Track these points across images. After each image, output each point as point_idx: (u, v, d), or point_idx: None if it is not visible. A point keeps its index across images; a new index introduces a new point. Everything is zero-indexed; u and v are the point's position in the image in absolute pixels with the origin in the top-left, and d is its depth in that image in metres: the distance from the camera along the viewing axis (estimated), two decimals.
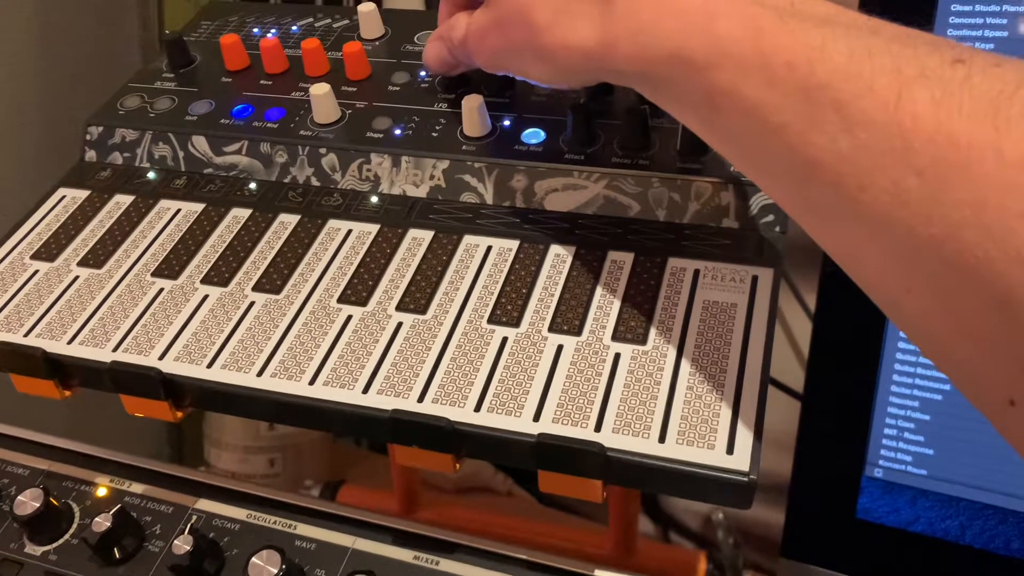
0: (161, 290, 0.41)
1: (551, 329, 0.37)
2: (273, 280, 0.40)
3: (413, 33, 0.52)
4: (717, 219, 0.40)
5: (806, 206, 0.29)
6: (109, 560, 0.39)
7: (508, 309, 0.38)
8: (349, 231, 0.42)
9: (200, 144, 0.47)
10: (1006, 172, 0.23)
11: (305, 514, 0.40)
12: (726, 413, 0.33)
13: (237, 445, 0.85)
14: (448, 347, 0.37)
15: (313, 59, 0.49)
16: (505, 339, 0.37)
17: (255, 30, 0.54)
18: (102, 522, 0.39)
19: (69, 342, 0.39)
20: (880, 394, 0.41)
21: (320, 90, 0.45)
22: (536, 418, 0.33)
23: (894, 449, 0.42)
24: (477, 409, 0.34)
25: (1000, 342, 0.24)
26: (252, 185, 0.46)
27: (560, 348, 0.36)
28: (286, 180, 0.46)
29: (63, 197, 0.47)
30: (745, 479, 0.31)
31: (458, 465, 0.35)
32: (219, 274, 0.41)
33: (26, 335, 0.40)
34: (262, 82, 0.50)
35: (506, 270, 0.39)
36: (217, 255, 0.42)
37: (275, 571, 0.36)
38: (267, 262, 0.41)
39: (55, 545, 0.41)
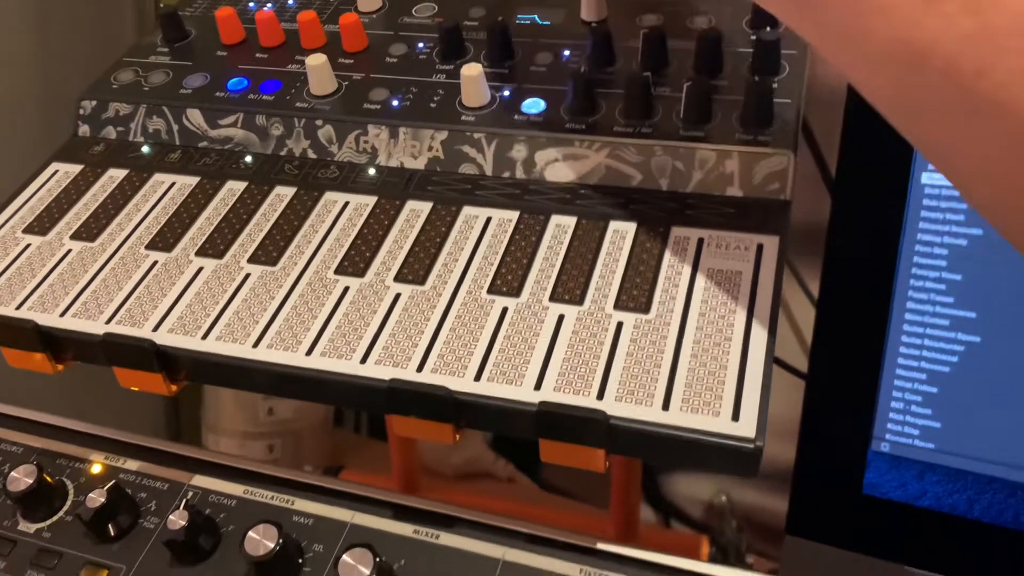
0: (155, 263, 0.40)
1: (552, 299, 0.36)
2: (269, 252, 0.40)
3: (411, 5, 0.51)
4: (721, 187, 0.39)
5: (908, 98, 0.26)
6: (104, 537, 0.39)
7: (508, 279, 0.37)
8: (346, 203, 0.42)
9: (195, 117, 0.46)
10: None
11: (303, 490, 0.39)
12: (731, 380, 0.32)
13: (235, 431, 0.84)
14: (447, 317, 0.36)
15: (309, 31, 0.48)
16: (505, 309, 0.36)
17: (251, 4, 0.53)
18: (96, 498, 0.38)
19: (62, 315, 0.38)
20: (886, 366, 0.41)
21: (316, 61, 0.44)
22: (537, 387, 0.33)
23: (901, 423, 0.41)
24: (477, 378, 0.33)
25: None
26: (248, 158, 0.45)
27: (561, 317, 0.35)
28: (282, 153, 0.45)
29: (56, 172, 0.46)
30: (751, 446, 0.30)
31: (458, 436, 0.34)
32: (214, 246, 0.40)
33: (18, 308, 0.39)
34: (258, 55, 0.49)
35: (506, 241, 0.39)
36: (212, 227, 0.41)
37: (272, 545, 0.35)
38: (263, 234, 0.41)
39: (49, 522, 0.40)
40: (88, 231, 0.42)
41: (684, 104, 0.40)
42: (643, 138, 0.40)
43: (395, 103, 0.44)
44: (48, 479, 0.40)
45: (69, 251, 0.41)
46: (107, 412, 0.49)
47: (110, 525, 0.39)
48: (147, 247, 0.41)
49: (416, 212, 0.41)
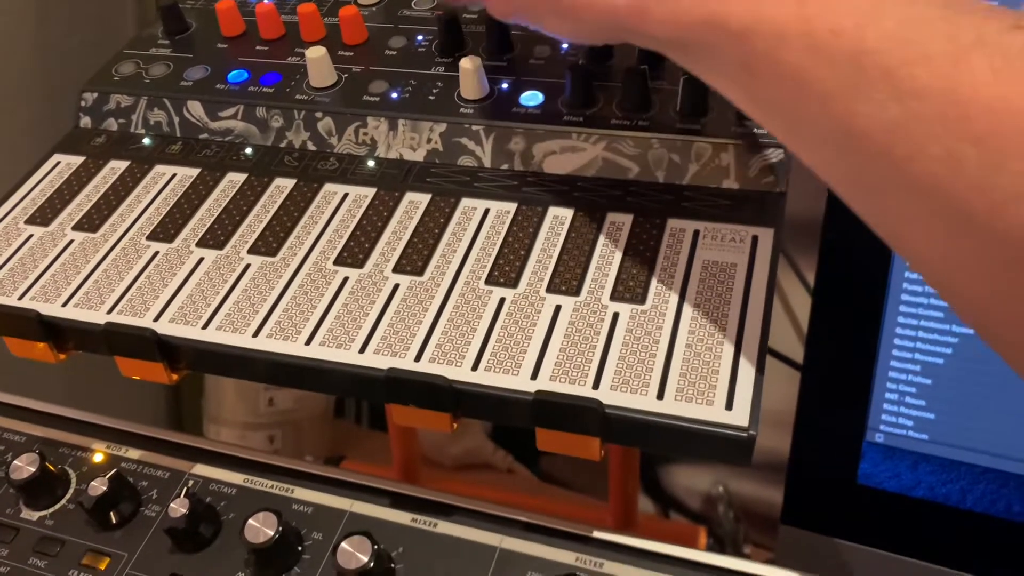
0: (156, 253, 0.41)
1: (549, 290, 0.36)
2: (269, 243, 0.40)
3: None
4: (717, 180, 0.39)
5: (849, 177, 0.28)
6: (105, 525, 0.39)
7: (506, 270, 0.37)
8: (345, 195, 0.42)
9: (195, 109, 0.47)
10: None
11: (302, 478, 0.40)
12: (725, 370, 0.32)
13: (236, 421, 0.85)
14: (445, 308, 0.36)
15: (309, 24, 0.49)
16: (503, 300, 0.36)
17: None
18: (98, 486, 0.38)
19: (64, 304, 0.39)
20: (881, 358, 0.41)
21: (316, 53, 0.45)
22: (534, 376, 0.33)
23: (895, 414, 0.42)
24: (474, 368, 0.34)
25: None
26: (248, 150, 0.45)
27: (558, 308, 0.36)
28: (282, 145, 0.45)
29: (58, 163, 0.47)
30: (745, 434, 0.30)
31: (455, 425, 0.34)
32: (214, 237, 0.41)
33: (20, 298, 0.39)
34: (258, 48, 0.49)
35: (504, 232, 0.39)
36: (212, 219, 0.42)
37: (272, 533, 0.35)
38: (263, 225, 0.41)
39: (51, 510, 0.40)
40: (90, 222, 0.43)
41: (681, 97, 0.40)
42: (640, 131, 0.40)
43: (394, 95, 0.44)
44: (50, 467, 0.40)
45: (71, 242, 0.42)
46: (109, 403, 0.49)
47: (112, 513, 0.39)
48: (148, 238, 0.41)
49: (415, 204, 0.41)
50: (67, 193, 0.44)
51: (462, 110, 0.43)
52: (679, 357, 0.33)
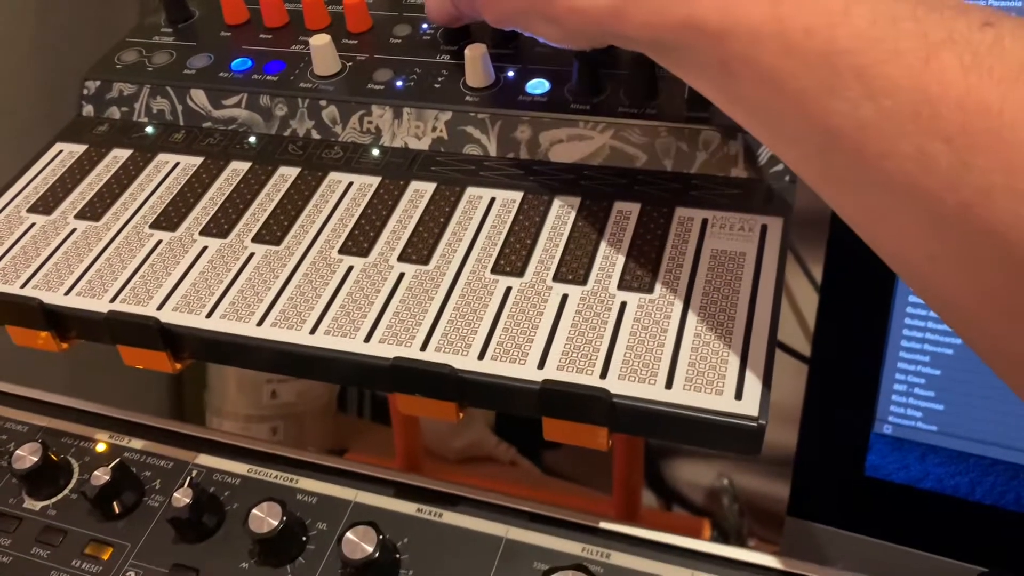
0: (159, 242, 0.40)
1: (556, 279, 0.36)
2: (273, 232, 0.40)
3: None
4: (725, 169, 0.39)
5: (825, 175, 0.28)
6: (108, 514, 0.39)
7: (512, 259, 0.37)
8: (350, 183, 0.42)
9: (199, 97, 0.46)
10: None
11: (307, 469, 0.40)
12: (734, 359, 0.32)
13: (239, 414, 0.85)
14: (451, 297, 0.36)
15: (313, 12, 0.48)
16: (509, 289, 0.36)
17: None
18: (101, 476, 0.38)
19: (66, 293, 0.38)
20: (890, 348, 0.41)
21: (320, 41, 0.44)
22: (541, 365, 0.33)
23: (904, 405, 0.41)
24: (481, 357, 0.33)
25: None
26: (252, 138, 0.45)
27: (565, 297, 0.35)
28: (286, 133, 0.45)
29: (60, 152, 0.46)
30: (754, 424, 0.30)
31: (461, 414, 0.34)
32: (218, 226, 0.40)
33: (23, 286, 0.39)
34: (262, 36, 0.49)
35: (510, 221, 0.39)
36: (216, 207, 0.41)
37: (275, 523, 0.35)
38: (267, 214, 0.41)
39: (54, 500, 0.40)
40: (93, 210, 0.42)
41: (689, 86, 0.40)
42: (648, 119, 0.40)
43: (399, 84, 0.44)
44: (53, 457, 0.40)
45: (74, 230, 0.42)
46: (112, 396, 0.49)
47: (115, 503, 0.39)
48: (151, 226, 0.41)
49: (420, 192, 0.41)
50: (70, 182, 0.44)
51: (467, 98, 0.43)
52: (687, 346, 0.33)
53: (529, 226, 0.38)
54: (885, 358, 0.41)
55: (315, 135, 0.44)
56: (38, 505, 0.40)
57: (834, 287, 0.42)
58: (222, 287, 0.38)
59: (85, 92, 0.48)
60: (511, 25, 0.38)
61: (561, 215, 0.39)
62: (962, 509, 0.42)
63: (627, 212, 0.38)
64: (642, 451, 0.67)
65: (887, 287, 0.40)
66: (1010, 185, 0.22)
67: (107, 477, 0.38)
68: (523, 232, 0.38)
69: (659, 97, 0.41)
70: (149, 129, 0.47)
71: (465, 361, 0.33)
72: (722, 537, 0.83)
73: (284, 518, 0.35)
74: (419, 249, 0.38)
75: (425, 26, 0.47)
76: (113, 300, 0.38)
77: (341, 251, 0.38)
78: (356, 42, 0.47)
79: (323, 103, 0.44)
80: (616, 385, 0.32)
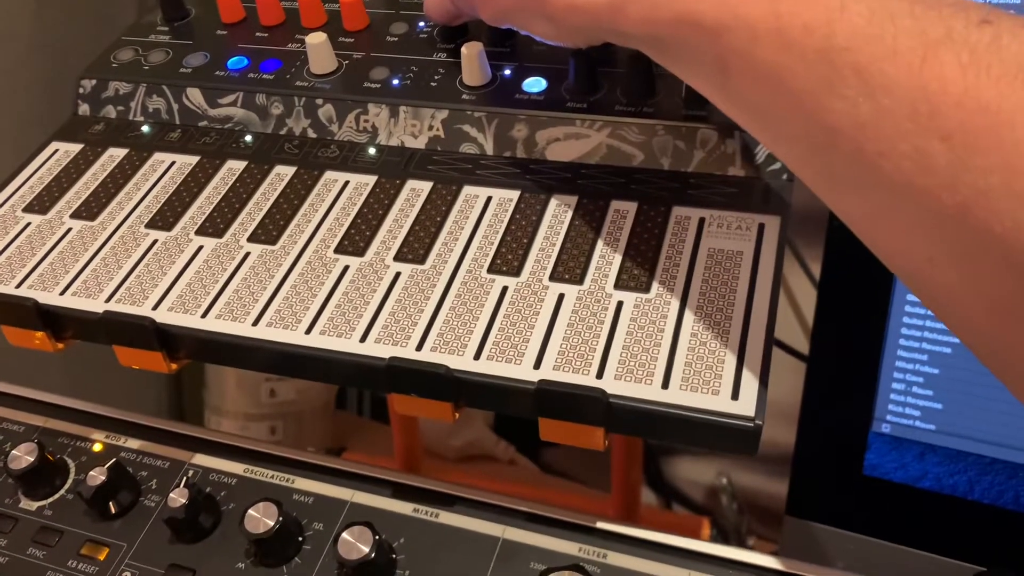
0: (155, 241, 0.40)
1: (552, 278, 0.36)
2: (269, 231, 0.40)
3: None
4: (723, 167, 0.39)
5: (823, 174, 0.28)
6: (104, 515, 0.39)
7: (508, 259, 0.37)
8: (346, 182, 0.42)
9: (195, 96, 0.46)
10: None
11: (303, 469, 0.40)
12: (731, 359, 0.32)
13: (238, 412, 0.85)
14: (447, 296, 0.36)
15: (309, 10, 0.48)
16: (505, 288, 0.36)
17: None
18: (97, 476, 0.38)
19: (62, 293, 0.38)
20: (888, 347, 0.41)
21: (316, 39, 0.44)
22: (537, 365, 0.33)
23: (902, 404, 0.41)
24: (476, 357, 0.33)
25: None
26: (248, 137, 0.45)
27: (561, 297, 0.35)
28: (282, 132, 0.45)
29: (56, 151, 0.46)
30: (751, 424, 0.30)
31: (457, 414, 0.34)
32: (214, 225, 0.40)
33: (18, 286, 0.39)
34: (258, 34, 0.49)
35: (506, 220, 0.39)
36: (212, 207, 0.41)
37: (272, 523, 0.35)
38: (263, 213, 0.41)
39: (50, 500, 0.40)
40: (88, 210, 0.42)
41: (686, 84, 0.40)
42: (645, 118, 0.40)
43: (395, 82, 0.44)
44: (49, 457, 0.40)
45: (69, 230, 0.41)
46: (110, 396, 0.49)
47: (111, 503, 0.39)
48: (147, 226, 0.41)
49: (416, 191, 0.41)
50: (65, 181, 0.44)
51: (464, 97, 0.42)
52: (684, 346, 0.33)
53: (526, 225, 0.38)
54: (883, 357, 0.41)
55: (311, 134, 0.44)
56: (34, 505, 0.40)
57: (833, 285, 0.41)
58: (218, 287, 0.38)
59: (81, 91, 0.48)
60: (508, 23, 0.38)
61: (558, 214, 0.38)
62: (960, 508, 0.41)
63: (624, 211, 0.38)
64: (641, 450, 0.67)
65: (886, 285, 0.40)
66: (1009, 186, 0.22)
67: (103, 477, 0.38)
68: (520, 231, 0.38)
69: (656, 95, 0.40)
70: (145, 128, 0.46)
71: (461, 361, 0.33)
72: (721, 536, 0.83)
73: (280, 518, 0.35)
74: (415, 248, 0.38)
75: (422, 24, 0.47)
76: (108, 300, 0.38)
77: (337, 250, 0.38)
78: (352, 40, 0.47)
79: (319, 102, 0.44)
80: (612, 385, 0.31)
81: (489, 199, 0.40)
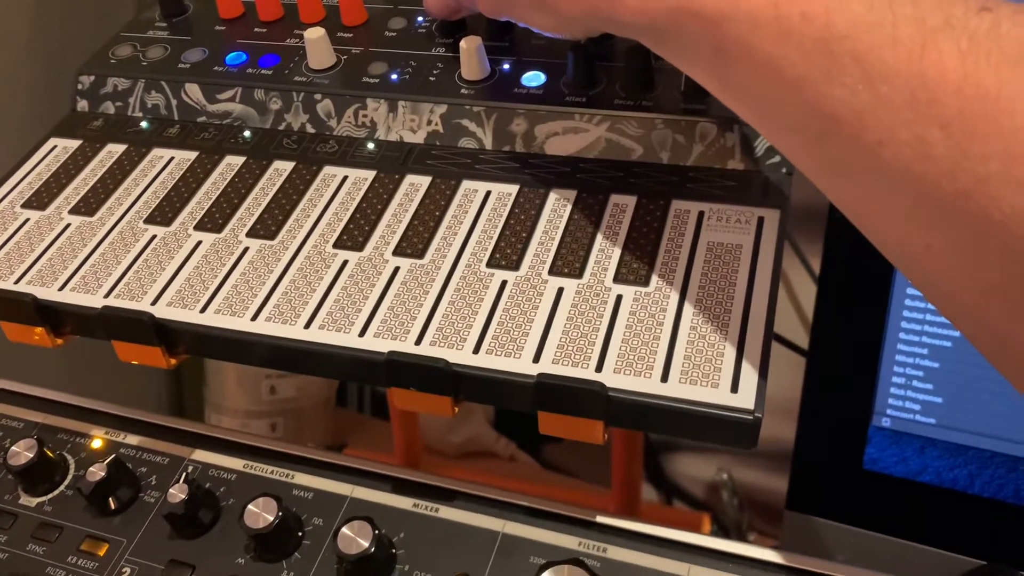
0: (154, 237, 0.40)
1: (551, 272, 0.36)
2: (268, 226, 0.40)
3: None
4: (722, 161, 0.39)
5: (821, 162, 0.28)
6: (104, 511, 0.39)
7: (507, 253, 0.37)
8: (345, 177, 0.42)
9: (193, 92, 0.46)
10: None
11: (303, 464, 0.39)
12: (730, 352, 0.32)
13: (238, 409, 0.85)
14: (446, 291, 0.36)
15: (308, 5, 0.48)
16: (504, 282, 0.36)
17: None
18: (96, 472, 0.38)
19: (60, 288, 0.38)
20: (888, 341, 0.41)
21: (314, 34, 0.44)
22: (536, 359, 0.33)
23: (902, 398, 0.41)
24: (476, 351, 0.33)
25: None
26: (246, 133, 0.45)
27: (561, 291, 0.35)
28: (281, 127, 0.45)
29: (54, 147, 0.46)
30: (750, 417, 0.30)
31: (456, 408, 0.34)
32: (213, 221, 0.40)
33: (17, 282, 0.39)
34: (256, 30, 0.49)
35: (505, 214, 0.38)
36: (211, 202, 0.41)
37: (271, 518, 0.35)
38: (261, 208, 0.41)
39: (50, 496, 0.40)
40: (87, 205, 0.42)
41: (685, 77, 0.40)
42: (644, 111, 0.40)
43: (394, 77, 0.44)
44: (49, 453, 0.40)
45: (68, 225, 0.41)
46: (109, 393, 0.49)
47: (110, 499, 0.39)
48: (146, 221, 0.41)
49: (415, 186, 0.40)
50: (64, 177, 0.44)
51: (463, 91, 0.42)
52: (683, 339, 0.33)
53: (525, 219, 0.38)
54: (883, 351, 0.41)
55: (310, 129, 0.44)
56: (34, 501, 0.40)
57: (832, 280, 0.41)
58: (216, 282, 0.37)
59: (80, 87, 0.48)
60: (505, 15, 0.38)
61: (557, 208, 0.38)
62: (961, 502, 0.41)
63: (623, 205, 0.38)
64: (641, 446, 0.67)
65: (886, 280, 0.40)
66: (1008, 172, 0.22)
67: (103, 473, 0.38)
68: (519, 225, 0.38)
69: (655, 89, 0.40)
70: (144, 124, 0.46)
71: (460, 355, 0.33)
72: (722, 531, 0.83)
73: (280, 513, 0.35)
74: (414, 243, 0.38)
75: (420, 19, 0.47)
76: (107, 295, 0.38)
77: (336, 245, 0.38)
78: (351, 35, 0.47)
79: (318, 97, 0.44)
80: (612, 379, 0.31)
81: (488, 193, 0.40)
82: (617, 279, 0.35)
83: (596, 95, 0.41)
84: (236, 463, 0.40)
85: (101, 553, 0.38)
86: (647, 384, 0.31)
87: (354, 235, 0.39)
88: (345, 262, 0.38)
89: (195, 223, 0.40)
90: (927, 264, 0.26)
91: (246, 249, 0.39)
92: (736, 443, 0.31)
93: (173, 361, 0.37)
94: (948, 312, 0.27)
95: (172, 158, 0.44)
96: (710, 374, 0.31)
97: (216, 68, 0.46)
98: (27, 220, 0.42)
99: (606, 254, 0.36)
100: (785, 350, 0.72)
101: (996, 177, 0.22)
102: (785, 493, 0.47)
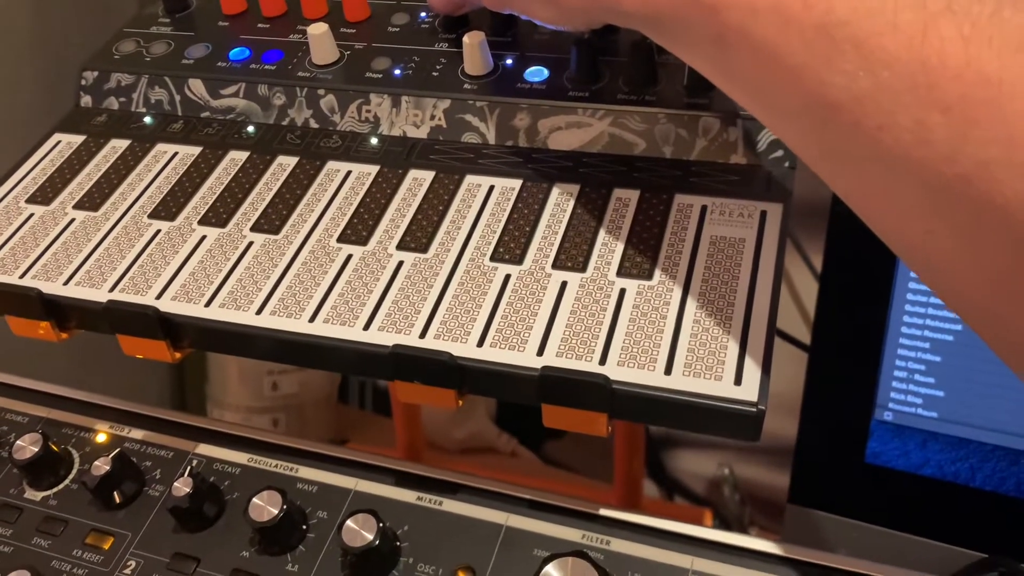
0: (158, 231, 0.40)
1: (555, 266, 0.36)
2: (272, 221, 0.40)
3: None
4: (725, 155, 0.39)
5: (822, 150, 0.28)
6: (109, 504, 0.39)
7: (511, 247, 0.37)
8: (348, 172, 0.42)
9: (197, 87, 0.46)
10: None
11: (307, 458, 0.40)
12: (733, 345, 0.32)
13: (240, 405, 0.85)
14: (450, 284, 0.36)
15: (311, 1, 0.48)
16: (508, 276, 0.36)
17: None
18: (101, 466, 0.38)
19: (65, 283, 0.38)
20: (890, 335, 0.41)
21: (318, 29, 0.44)
22: (540, 352, 0.33)
23: (904, 392, 0.41)
24: (480, 344, 0.33)
25: None
26: (250, 128, 0.45)
27: (564, 284, 0.35)
28: (284, 122, 0.45)
29: (58, 142, 0.46)
30: (754, 410, 0.30)
31: (460, 401, 0.34)
32: (217, 215, 0.40)
33: (22, 276, 0.39)
34: (259, 25, 0.49)
35: (508, 209, 0.39)
36: (215, 197, 0.41)
37: (276, 511, 0.35)
38: (265, 203, 0.41)
39: (55, 490, 0.40)
40: (91, 200, 0.42)
41: (688, 71, 0.40)
42: (647, 106, 0.40)
43: (397, 72, 0.44)
44: (54, 448, 0.40)
45: (72, 220, 0.42)
46: (113, 389, 0.49)
47: (115, 493, 0.39)
48: (150, 216, 0.41)
49: (418, 181, 0.41)
50: (68, 172, 0.44)
51: (466, 86, 0.42)
52: (687, 332, 0.33)
53: (528, 213, 0.38)
54: (885, 345, 0.41)
55: (313, 124, 0.44)
56: (39, 495, 0.40)
57: (834, 275, 0.42)
58: (221, 276, 0.38)
59: (83, 83, 0.48)
60: (508, 8, 0.38)
61: (560, 202, 0.39)
62: (963, 495, 0.42)
63: (626, 199, 0.38)
64: (643, 441, 0.67)
65: (887, 274, 0.40)
66: (1009, 158, 0.22)
67: (107, 467, 0.38)
68: (522, 220, 0.38)
69: (658, 84, 0.40)
70: (147, 119, 0.46)
71: (464, 348, 0.33)
72: (723, 526, 0.83)
73: (284, 507, 0.35)
74: (418, 237, 0.38)
75: (423, 14, 0.47)
76: (112, 289, 0.38)
77: (340, 239, 0.38)
78: (354, 31, 0.47)
79: (321, 92, 0.44)
80: (615, 371, 0.32)
81: (491, 188, 0.40)
82: (620, 273, 0.35)
83: (599, 90, 0.41)
84: (240, 457, 0.40)
85: (106, 546, 0.38)
86: (651, 377, 0.31)
87: (358, 229, 0.39)
88: (349, 256, 0.38)
89: (199, 218, 0.40)
90: (928, 250, 0.26)
91: (250, 243, 0.39)
92: (739, 436, 0.31)
93: (178, 355, 0.37)
94: (949, 299, 0.27)
95: (176, 153, 0.44)
96: (713, 367, 0.31)
97: (219, 64, 0.47)
98: (32, 215, 0.42)
99: (609, 248, 0.36)
100: (787, 345, 0.72)
101: (997, 162, 0.22)
102: (786, 489, 0.47)
